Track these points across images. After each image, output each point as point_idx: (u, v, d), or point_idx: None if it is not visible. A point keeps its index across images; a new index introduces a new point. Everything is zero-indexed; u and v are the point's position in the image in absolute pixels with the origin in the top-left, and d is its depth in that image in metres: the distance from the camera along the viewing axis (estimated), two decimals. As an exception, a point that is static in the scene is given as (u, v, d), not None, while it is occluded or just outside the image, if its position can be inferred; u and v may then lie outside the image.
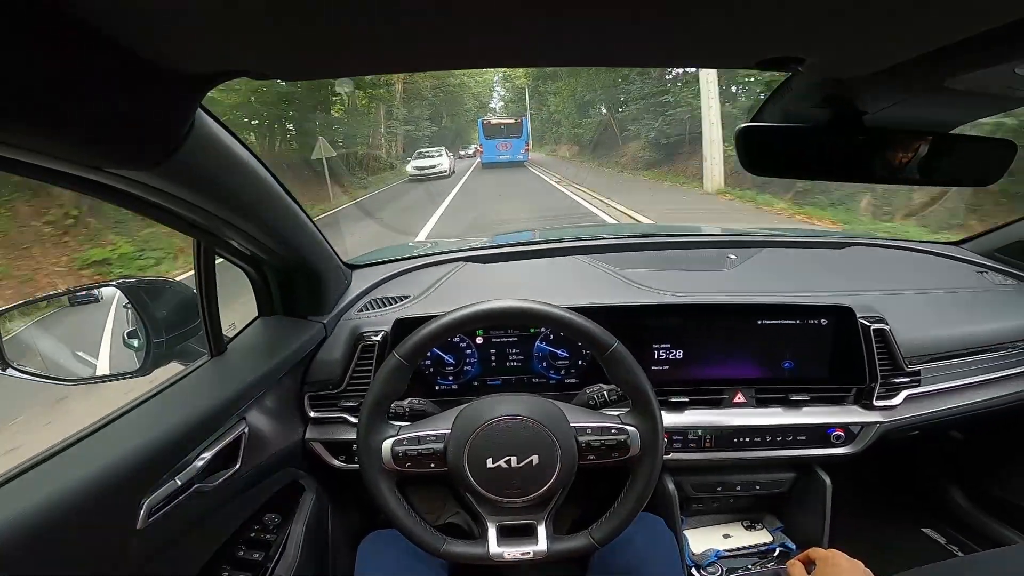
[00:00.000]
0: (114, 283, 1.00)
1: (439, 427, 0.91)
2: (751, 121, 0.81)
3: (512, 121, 21.99)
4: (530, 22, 0.47)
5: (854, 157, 0.81)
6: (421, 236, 8.12)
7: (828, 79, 0.67)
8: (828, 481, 1.31)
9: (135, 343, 1.06)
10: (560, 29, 0.49)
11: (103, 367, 1.04)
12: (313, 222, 1.10)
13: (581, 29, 0.49)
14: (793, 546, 1.34)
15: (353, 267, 1.45)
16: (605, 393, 1.06)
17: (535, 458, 0.87)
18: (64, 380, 0.99)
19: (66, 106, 0.46)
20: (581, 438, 0.90)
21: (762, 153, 0.81)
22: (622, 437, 0.90)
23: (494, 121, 22.25)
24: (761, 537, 1.39)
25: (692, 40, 0.54)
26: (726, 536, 1.39)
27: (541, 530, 0.90)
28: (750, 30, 0.50)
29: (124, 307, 1.07)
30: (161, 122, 0.58)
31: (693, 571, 1.29)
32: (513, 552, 0.89)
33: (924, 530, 1.66)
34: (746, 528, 1.42)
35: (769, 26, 0.49)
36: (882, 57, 0.55)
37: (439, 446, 0.89)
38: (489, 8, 0.43)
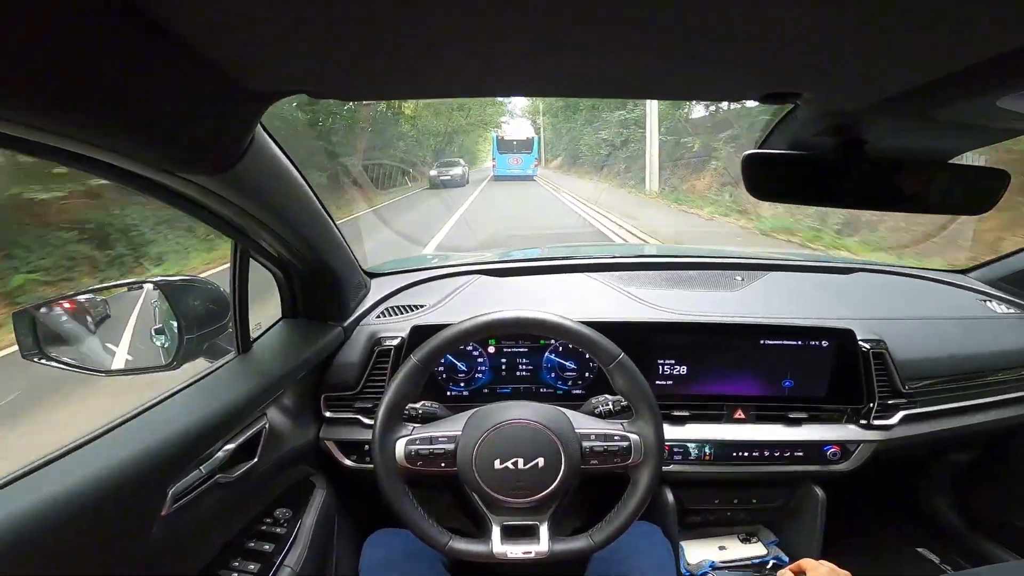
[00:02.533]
0: (151, 280, 1.04)
1: (451, 429, 0.95)
2: (757, 148, 0.86)
3: (524, 138, 22.67)
4: (557, 57, 0.52)
5: (854, 184, 0.84)
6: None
7: (828, 111, 0.72)
8: (823, 497, 1.34)
9: (162, 339, 1.10)
10: (587, 63, 0.54)
11: (120, 361, 1.09)
12: (340, 232, 1.16)
13: (609, 64, 0.54)
14: (787, 559, 1.36)
15: (372, 275, 1.51)
16: (610, 404, 1.09)
17: (540, 461, 0.91)
18: (96, 371, 1.03)
19: (153, 115, 0.52)
20: (585, 444, 0.94)
21: (766, 179, 0.86)
22: (625, 444, 0.94)
23: (507, 137, 22.83)
24: (756, 550, 1.41)
25: (699, 76, 0.59)
26: (722, 548, 1.42)
27: (543, 531, 0.93)
28: (750, 68, 0.55)
29: (152, 304, 1.12)
30: (229, 133, 0.65)
31: None
32: (515, 551, 0.92)
33: (919, 550, 1.67)
34: (742, 541, 1.44)
35: (767, 65, 0.54)
36: (873, 91, 0.60)
37: (450, 447, 0.93)
38: (518, 44, 0.49)
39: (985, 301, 1.58)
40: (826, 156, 0.82)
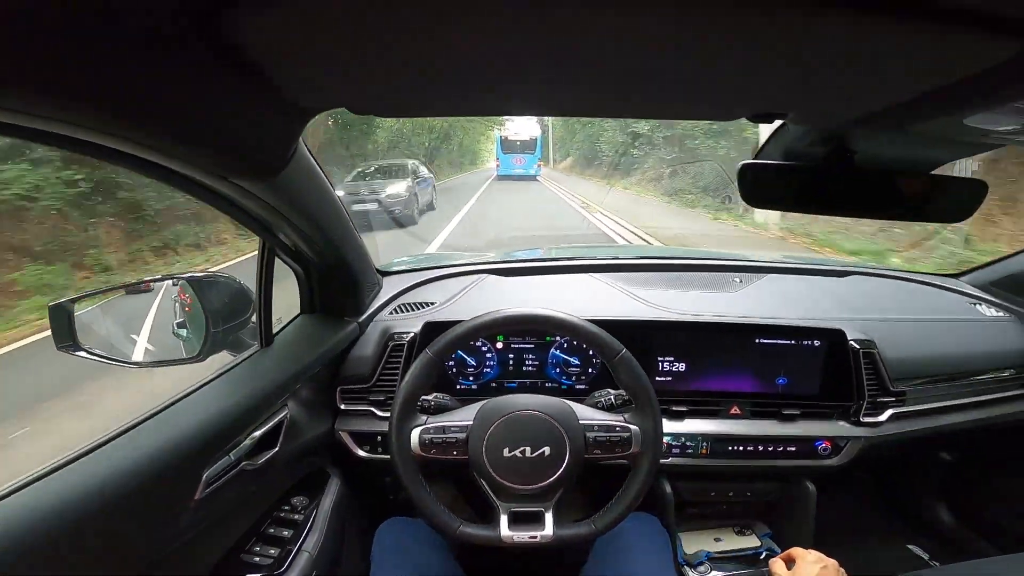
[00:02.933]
0: (181, 276, 1.10)
1: (462, 419, 1.01)
2: (753, 158, 0.91)
3: (528, 138, 22.60)
4: (567, 78, 0.58)
5: (844, 193, 0.90)
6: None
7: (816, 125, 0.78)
8: (814, 491, 1.39)
9: (184, 333, 1.15)
10: (590, 82, 0.60)
11: (149, 354, 1.13)
12: (358, 234, 1.22)
13: (611, 83, 0.60)
14: (779, 551, 1.41)
15: (384, 273, 1.57)
16: (612, 397, 1.15)
17: (547, 449, 0.96)
18: (127, 363, 1.08)
19: (215, 127, 0.59)
20: (589, 434, 0.99)
21: (761, 188, 0.91)
22: (626, 435, 0.99)
23: (511, 137, 22.74)
24: (750, 542, 1.47)
25: (690, 97, 0.66)
26: (717, 539, 1.47)
27: (548, 517, 0.98)
28: (738, 92, 0.62)
29: (173, 299, 1.17)
30: (277, 144, 0.72)
31: (685, 569, 1.37)
32: (522, 536, 0.97)
33: (909, 546, 1.72)
34: (736, 533, 1.50)
35: (754, 88, 0.60)
36: (852, 109, 0.66)
37: (462, 435, 0.99)
38: (535, 67, 0.55)
39: (975, 304, 1.62)
40: (818, 166, 0.88)
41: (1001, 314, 1.59)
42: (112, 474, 0.71)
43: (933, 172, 0.92)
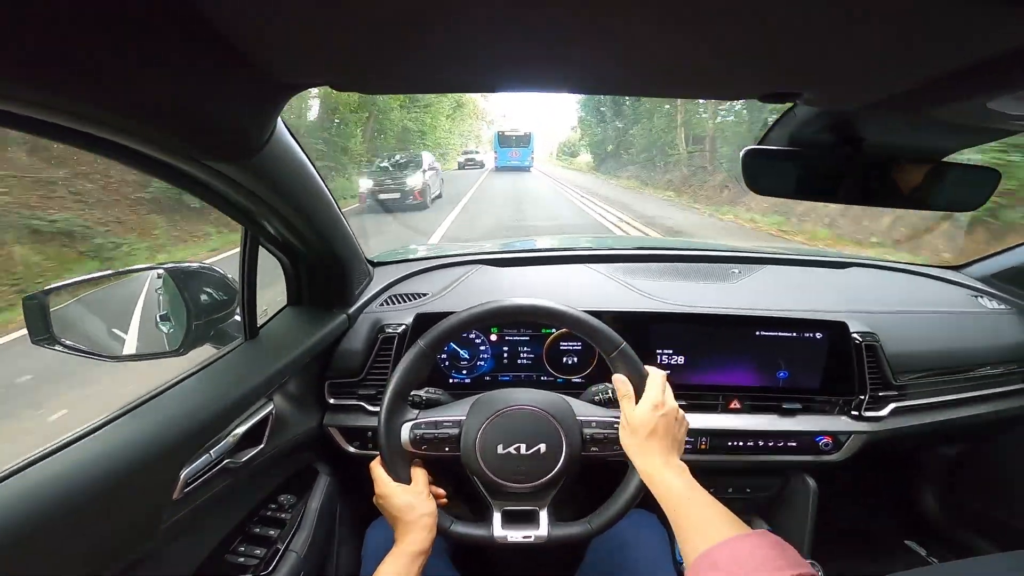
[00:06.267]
0: (162, 266, 1.05)
1: (455, 414, 0.98)
2: (757, 144, 0.88)
3: (522, 134, 25.40)
4: (567, 53, 0.54)
5: (851, 181, 0.87)
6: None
7: (827, 109, 0.75)
8: (815, 487, 1.37)
9: (166, 326, 1.11)
10: (596, 60, 0.57)
11: (129, 347, 1.10)
12: (347, 222, 1.17)
13: (614, 60, 0.57)
14: None
15: (375, 264, 1.52)
16: (610, 392, 1.11)
17: (542, 447, 0.93)
18: (106, 357, 1.04)
19: (185, 105, 0.55)
20: (586, 431, 0.96)
21: (765, 174, 0.88)
22: None
23: (507, 133, 25.56)
24: (749, 539, 1.44)
25: (702, 75, 0.62)
26: (716, 537, 1.44)
27: (543, 516, 0.95)
28: (751, 69, 0.58)
29: (156, 291, 1.13)
30: (254, 123, 0.67)
31: (683, 568, 1.34)
32: (515, 535, 0.94)
33: (907, 542, 1.71)
34: (735, 530, 1.47)
35: (768, 65, 0.57)
36: (870, 91, 0.63)
37: (455, 431, 0.96)
38: (533, 40, 0.51)
39: (977, 297, 1.61)
40: (824, 153, 0.85)
41: (1003, 307, 1.57)
42: (82, 473, 0.67)
43: (944, 160, 0.89)
